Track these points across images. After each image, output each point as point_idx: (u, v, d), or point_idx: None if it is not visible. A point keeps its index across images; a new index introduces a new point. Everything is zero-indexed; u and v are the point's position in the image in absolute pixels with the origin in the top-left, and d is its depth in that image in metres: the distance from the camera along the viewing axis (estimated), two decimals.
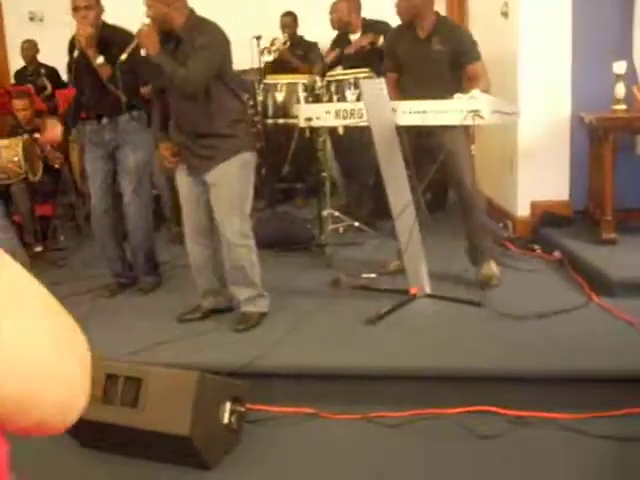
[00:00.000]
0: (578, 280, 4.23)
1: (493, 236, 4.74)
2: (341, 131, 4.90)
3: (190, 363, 3.28)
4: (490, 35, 5.64)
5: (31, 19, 8.29)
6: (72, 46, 4.31)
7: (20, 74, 7.43)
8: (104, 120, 4.35)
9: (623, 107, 4.59)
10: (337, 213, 5.44)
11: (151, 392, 2.82)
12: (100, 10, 4.27)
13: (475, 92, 3.79)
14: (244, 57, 6.26)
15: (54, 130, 5.88)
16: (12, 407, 0.59)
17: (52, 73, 7.17)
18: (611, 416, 3.01)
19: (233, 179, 3.72)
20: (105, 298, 4.50)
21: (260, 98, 6.07)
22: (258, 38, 6.54)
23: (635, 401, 3.04)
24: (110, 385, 2.88)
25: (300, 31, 6.98)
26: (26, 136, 5.60)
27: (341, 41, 6.12)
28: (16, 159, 5.48)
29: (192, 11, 3.73)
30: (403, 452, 2.96)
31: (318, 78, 5.74)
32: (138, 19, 3.73)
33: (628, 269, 4.14)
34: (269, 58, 6.59)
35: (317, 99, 5.50)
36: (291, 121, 5.60)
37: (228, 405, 2.93)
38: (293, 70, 6.41)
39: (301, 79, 5.93)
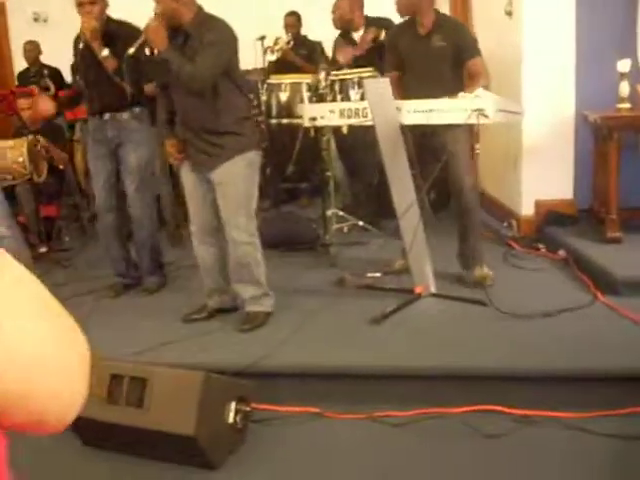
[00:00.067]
0: (583, 279, 4.22)
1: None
2: (345, 130, 4.90)
3: (195, 363, 3.29)
4: (494, 34, 5.63)
5: (35, 20, 8.31)
6: (77, 44, 4.33)
7: (23, 75, 7.43)
8: (106, 116, 4.35)
9: (627, 105, 4.58)
10: (341, 213, 5.45)
11: (156, 392, 2.82)
12: (104, 5, 4.29)
13: (480, 91, 3.79)
14: (248, 57, 6.25)
15: (45, 105, 5.88)
16: (12, 401, 0.60)
17: (55, 74, 7.18)
18: (616, 415, 3.01)
19: (239, 178, 3.73)
20: (110, 298, 4.51)
21: (264, 98, 6.06)
22: (262, 38, 6.54)
23: None
24: (115, 385, 2.88)
25: (303, 31, 6.98)
26: (31, 137, 5.61)
27: (344, 40, 6.11)
28: (21, 160, 5.49)
29: (200, 7, 3.73)
30: (408, 451, 2.96)
31: (322, 77, 5.73)
32: (144, 15, 3.73)
33: (633, 268, 4.13)
34: (272, 58, 6.59)
35: (321, 99, 5.49)
36: (295, 121, 5.60)
37: (233, 405, 2.93)
38: (297, 70, 6.41)
39: (305, 79, 5.93)
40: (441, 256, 4.29)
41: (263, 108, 6.07)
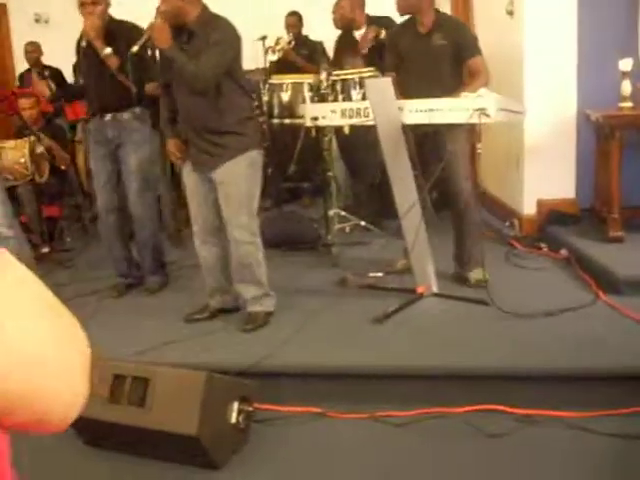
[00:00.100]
0: (585, 278, 4.22)
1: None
2: (347, 130, 4.90)
3: (198, 363, 3.29)
4: (495, 33, 5.63)
5: (37, 21, 8.32)
6: (80, 44, 4.34)
7: (24, 77, 7.43)
8: (107, 116, 4.36)
9: (629, 104, 4.58)
10: (343, 212, 5.45)
11: (158, 392, 2.83)
12: (107, 5, 4.30)
13: (482, 90, 3.79)
14: (249, 57, 6.25)
15: (40, 86, 5.92)
16: (14, 401, 0.60)
17: (56, 75, 7.18)
18: (618, 414, 3.00)
19: (241, 178, 3.73)
20: (113, 298, 4.51)
21: (266, 98, 6.06)
22: (263, 38, 6.54)
23: None
24: (117, 385, 2.89)
25: (304, 31, 6.98)
26: (32, 137, 5.62)
27: (345, 39, 6.11)
28: (23, 160, 5.50)
29: (205, 7, 3.72)
30: (410, 451, 2.96)
31: (324, 77, 5.73)
32: (146, 14, 3.73)
33: (635, 267, 4.13)
34: (273, 58, 6.59)
35: (323, 98, 5.49)
36: (297, 121, 5.59)
37: (236, 405, 2.93)
38: (298, 70, 6.41)
39: (307, 79, 5.92)
40: (443, 256, 4.29)
41: (265, 108, 6.07)
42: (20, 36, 7.94)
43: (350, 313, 3.96)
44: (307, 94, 5.81)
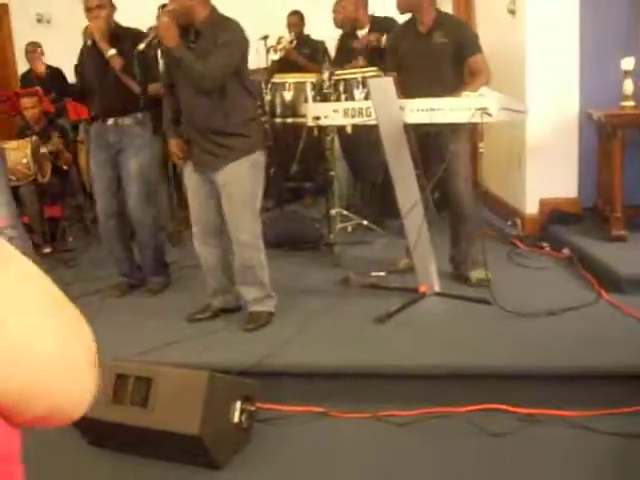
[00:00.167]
0: (587, 277, 4.22)
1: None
2: (349, 130, 4.91)
3: (200, 363, 3.29)
4: (497, 33, 5.63)
5: (38, 21, 8.32)
6: (84, 45, 4.36)
7: (25, 77, 7.43)
8: (109, 121, 4.36)
9: (631, 103, 4.58)
10: (345, 212, 5.44)
11: (161, 392, 2.83)
12: (112, 9, 4.31)
13: (483, 89, 3.79)
14: (251, 57, 6.25)
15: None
16: (19, 398, 0.60)
17: (57, 75, 7.18)
18: (620, 413, 3.00)
19: (244, 179, 3.72)
20: (116, 298, 4.52)
21: (268, 97, 6.06)
22: (265, 38, 6.54)
23: None
24: (120, 385, 2.89)
25: (306, 30, 6.98)
26: (34, 138, 5.62)
27: (347, 39, 6.11)
28: (25, 161, 5.51)
29: (214, 7, 3.72)
30: (412, 451, 2.96)
31: (326, 77, 5.73)
32: (149, 16, 3.73)
33: (637, 266, 4.13)
34: (275, 57, 6.59)
35: (325, 98, 5.49)
36: (299, 120, 5.60)
37: (238, 404, 2.93)
38: (299, 69, 6.42)
39: (309, 78, 5.92)
40: (445, 255, 4.30)
41: (267, 107, 6.07)
42: (22, 36, 7.94)
43: (352, 312, 3.96)
44: (309, 93, 5.82)
